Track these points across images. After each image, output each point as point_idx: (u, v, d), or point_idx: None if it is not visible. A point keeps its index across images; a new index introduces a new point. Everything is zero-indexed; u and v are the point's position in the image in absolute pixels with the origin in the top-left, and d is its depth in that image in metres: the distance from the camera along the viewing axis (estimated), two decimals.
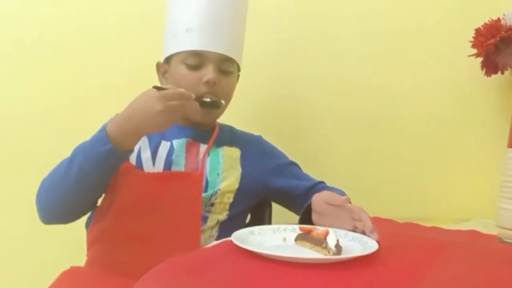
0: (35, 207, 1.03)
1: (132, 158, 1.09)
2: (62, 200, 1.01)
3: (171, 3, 1.17)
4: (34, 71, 1.63)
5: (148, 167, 1.09)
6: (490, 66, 1.34)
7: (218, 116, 1.19)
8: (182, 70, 1.11)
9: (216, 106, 1.10)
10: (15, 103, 1.64)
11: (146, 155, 1.10)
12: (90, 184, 0.98)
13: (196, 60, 1.10)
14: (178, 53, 1.12)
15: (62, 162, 1.01)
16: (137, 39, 1.58)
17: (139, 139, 0.98)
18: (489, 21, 1.30)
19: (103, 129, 0.96)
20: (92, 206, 1.09)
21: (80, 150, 0.98)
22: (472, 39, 1.32)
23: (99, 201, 1.09)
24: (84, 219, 1.13)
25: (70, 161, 0.98)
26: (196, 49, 1.09)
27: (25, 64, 1.63)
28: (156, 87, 0.95)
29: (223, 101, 1.11)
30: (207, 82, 1.08)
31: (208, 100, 1.09)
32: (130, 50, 1.59)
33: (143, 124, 0.94)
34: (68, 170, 0.97)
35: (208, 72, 1.09)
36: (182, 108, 0.95)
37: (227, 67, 1.13)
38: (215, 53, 1.10)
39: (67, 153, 1.01)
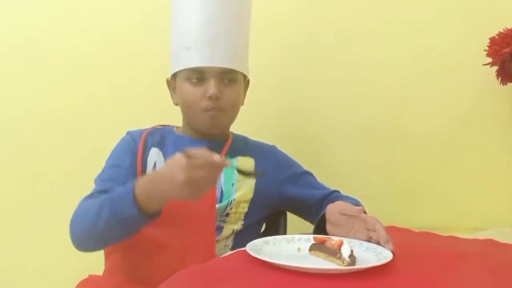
0: (69, 235, 1.03)
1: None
2: (93, 241, 1.02)
3: (172, 23, 1.20)
4: (50, 77, 1.66)
5: None
6: (506, 75, 1.33)
7: (226, 124, 1.19)
8: (186, 86, 1.14)
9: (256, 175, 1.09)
10: (28, 107, 1.66)
11: None
12: (118, 236, 0.98)
13: (198, 76, 1.12)
14: (181, 70, 1.15)
15: (91, 206, 0.98)
16: (153, 50, 1.60)
17: (165, 203, 0.93)
18: (504, 30, 1.29)
19: (132, 188, 0.91)
20: None
21: (108, 205, 0.95)
22: (487, 48, 1.32)
23: None
24: None
25: (98, 212, 0.95)
26: (195, 66, 1.11)
27: (41, 73, 1.66)
28: (184, 153, 0.85)
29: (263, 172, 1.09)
30: (210, 97, 1.10)
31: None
32: (145, 60, 1.61)
33: (167, 192, 0.88)
34: (96, 221, 0.96)
35: (210, 87, 1.10)
36: (210, 181, 0.87)
37: (229, 77, 1.14)
38: (214, 67, 1.12)
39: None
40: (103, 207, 0.95)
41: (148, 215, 0.92)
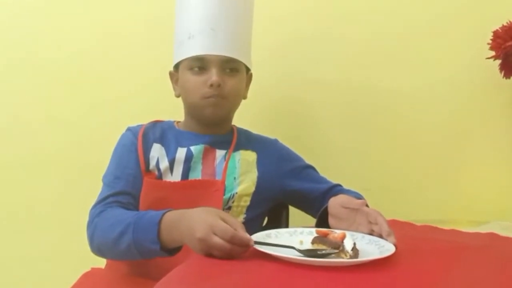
0: (87, 240, 1.04)
1: (154, 169, 1.12)
2: (111, 255, 1.05)
3: (176, 14, 1.20)
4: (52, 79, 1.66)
5: (166, 175, 1.12)
6: (509, 68, 1.33)
7: (227, 112, 1.18)
8: (188, 75, 1.14)
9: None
10: (29, 104, 1.66)
11: (164, 164, 1.12)
12: (136, 258, 0.98)
13: (200, 64, 1.12)
14: (184, 60, 1.15)
15: (115, 224, 0.97)
16: (153, 46, 1.59)
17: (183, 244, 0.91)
18: (507, 23, 1.29)
19: (158, 224, 0.90)
20: None
21: (133, 230, 0.94)
22: (490, 41, 1.31)
23: None
24: None
25: (121, 234, 0.95)
26: (198, 54, 1.12)
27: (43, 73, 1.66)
28: (218, 214, 0.84)
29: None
30: (212, 85, 1.10)
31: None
32: (146, 57, 1.60)
33: (184, 240, 0.87)
34: (118, 241, 0.96)
35: (212, 75, 1.10)
36: (226, 253, 0.79)
37: (231, 67, 1.14)
38: (217, 56, 1.12)
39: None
40: (127, 230, 0.94)
41: (169, 251, 0.92)
